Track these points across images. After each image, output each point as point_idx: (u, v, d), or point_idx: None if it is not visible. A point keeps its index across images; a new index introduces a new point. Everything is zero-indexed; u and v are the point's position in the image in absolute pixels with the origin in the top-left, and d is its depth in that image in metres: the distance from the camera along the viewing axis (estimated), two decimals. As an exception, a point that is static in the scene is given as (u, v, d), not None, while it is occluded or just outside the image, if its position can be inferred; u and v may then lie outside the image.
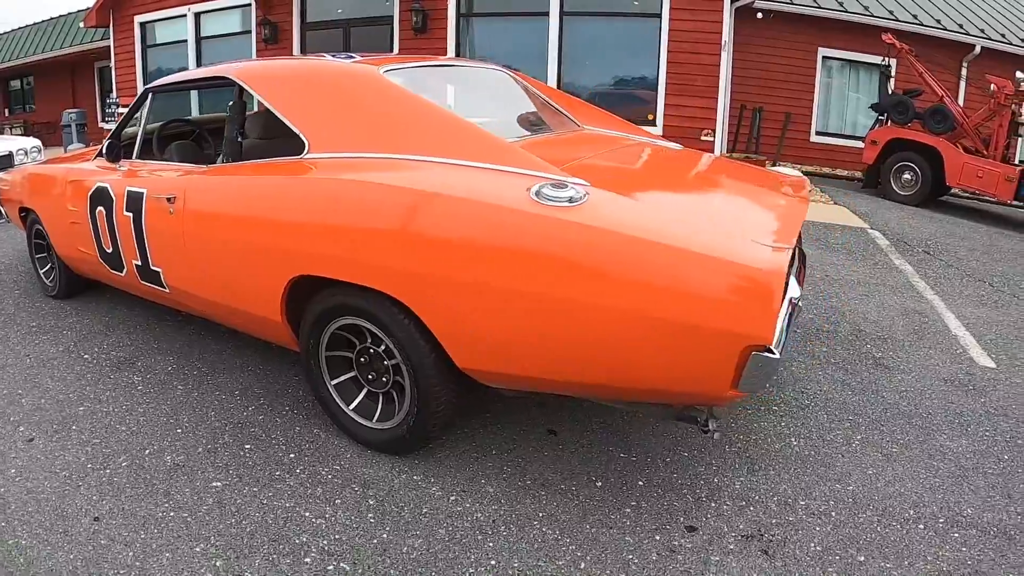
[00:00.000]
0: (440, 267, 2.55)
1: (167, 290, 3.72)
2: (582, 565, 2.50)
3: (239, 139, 3.42)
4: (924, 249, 7.27)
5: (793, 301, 2.63)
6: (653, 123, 11.02)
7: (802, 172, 12.32)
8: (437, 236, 2.57)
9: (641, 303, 2.30)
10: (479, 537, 2.60)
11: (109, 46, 15.81)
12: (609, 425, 3.49)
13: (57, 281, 4.99)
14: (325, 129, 3.12)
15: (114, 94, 15.55)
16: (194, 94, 12.82)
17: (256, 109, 4.44)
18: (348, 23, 13.12)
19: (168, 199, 3.43)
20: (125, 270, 3.92)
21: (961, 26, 12.78)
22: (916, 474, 3.23)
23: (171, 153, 3.93)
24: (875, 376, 4.21)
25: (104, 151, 4.03)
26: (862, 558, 2.62)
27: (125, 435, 3.24)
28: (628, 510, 2.83)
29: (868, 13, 12.47)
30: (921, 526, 2.84)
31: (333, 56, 3.70)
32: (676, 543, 2.64)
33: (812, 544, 2.68)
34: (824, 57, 12.88)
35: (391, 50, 12.57)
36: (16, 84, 22.34)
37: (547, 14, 11.38)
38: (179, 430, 3.28)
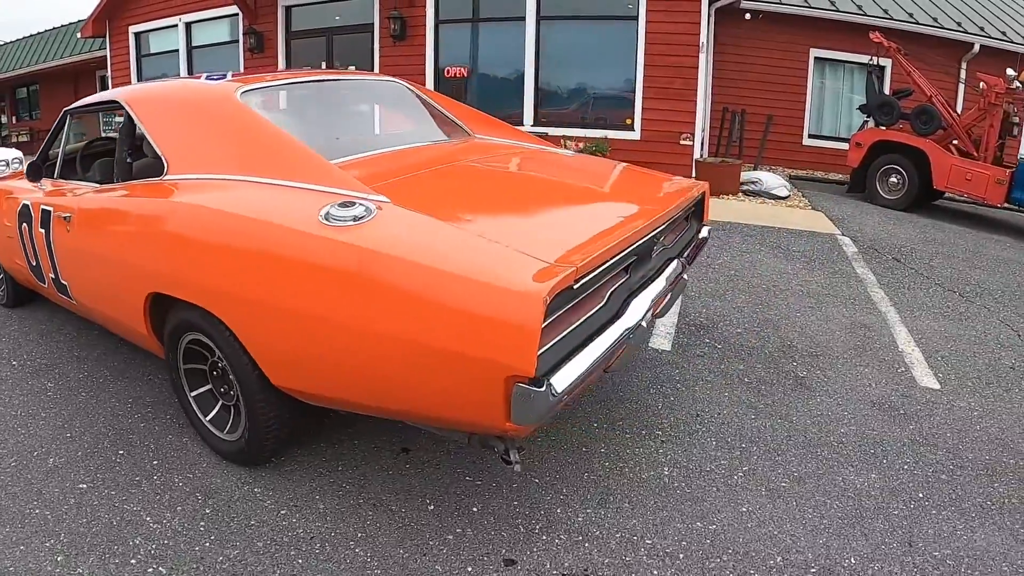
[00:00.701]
0: (246, 287, 2.57)
1: (74, 302, 3.83)
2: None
3: (128, 160, 3.48)
4: (895, 256, 6.68)
5: (635, 325, 2.51)
6: (631, 127, 10.56)
7: (792, 176, 11.81)
8: (240, 256, 2.61)
9: (406, 327, 2.17)
10: (292, 553, 2.52)
11: (106, 56, 15.71)
12: (465, 446, 3.12)
13: (6, 291, 5.12)
14: (180, 151, 3.17)
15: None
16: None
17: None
18: (331, 31, 12.89)
19: (65, 217, 3.57)
20: (46, 282, 4.03)
21: (960, 24, 12.08)
22: (800, 514, 2.78)
23: (88, 172, 3.94)
24: (790, 398, 3.70)
25: (26, 171, 4.15)
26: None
27: (22, 437, 3.31)
28: (451, 537, 2.61)
29: (861, 12, 11.82)
30: (782, 578, 2.40)
31: (208, 77, 3.62)
32: (486, 576, 2.36)
33: (639, 595, 2.27)
34: (816, 58, 12.23)
35: (372, 58, 12.32)
36: (23, 92, 22.39)
37: (523, 19, 11.00)
38: (68, 435, 3.32)
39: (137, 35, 14.96)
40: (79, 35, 16.08)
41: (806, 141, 12.47)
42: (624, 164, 4.10)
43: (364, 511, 2.76)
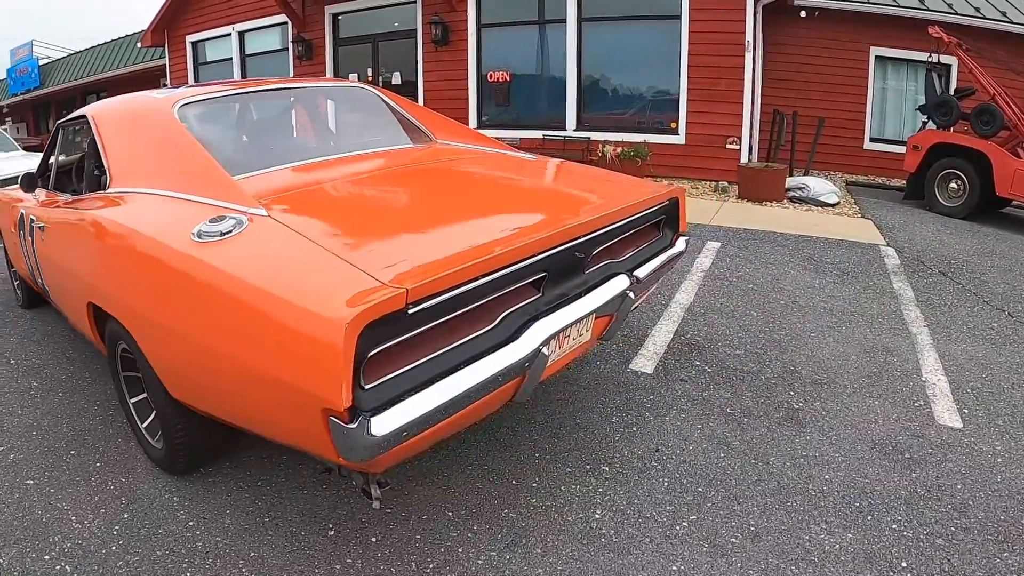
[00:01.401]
0: (138, 300, 2.57)
1: (54, 304, 4.03)
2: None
3: (95, 172, 3.44)
4: (941, 270, 5.93)
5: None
6: (676, 131, 9.99)
7: (850, 182, 10.96)
8: (132, 270, 2.64)
9: (239, 348, 2.05)
10: (184, 566, 2.46)
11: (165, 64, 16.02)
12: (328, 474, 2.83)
13: (21, 293, 5.36)
14: (120, 164, 3.17)
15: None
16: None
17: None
18: (376, 38, 12.77)
19: (40, 227, 3.73)
20: (40, 285, 4.18)
21: (1032, 18, 10.99)
22: (739, 584, 2.25)
23: (70, 184, 4.09)
24: (774, 434, 3.17)
25: (20, 182, 4.22)
26: None
27: None
28: (338, 567, 2.43)
29: (923, 7, 10.84)
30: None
31: (160, 91, 3.59)
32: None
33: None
34: (878, 57, 11.26)
35: (416, 63, 12.13)
36: (93, 99, 22.86)
37: (564, 21, 10.57)
38: (35, 432, 3.39)
39: (194, 44, 15.22)
40: (139, 44, 16.43)
41: (867, 145, 11.53)
42: (590, 169, 3.77)
43: (265, 531, 2.63)
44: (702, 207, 8.38)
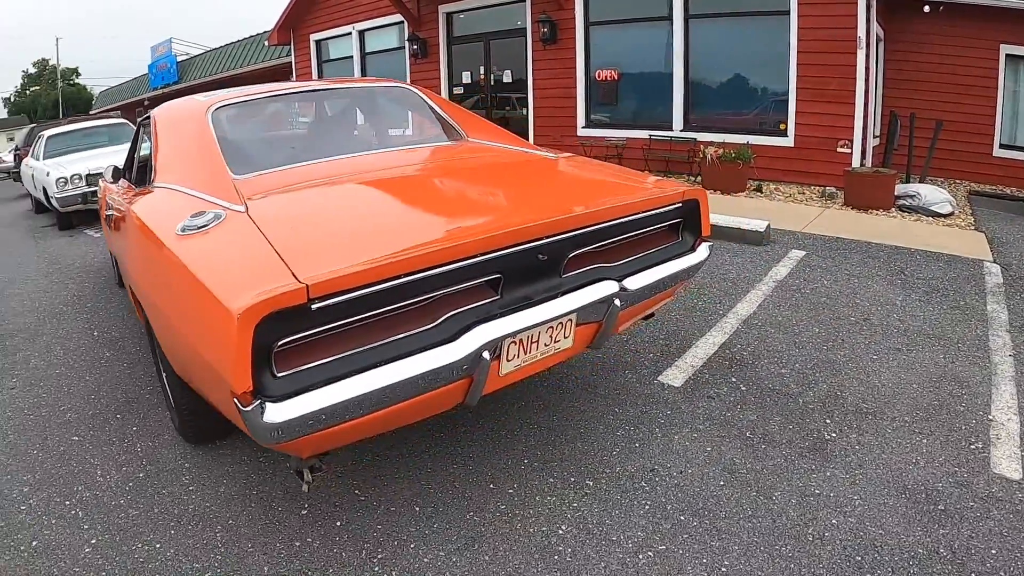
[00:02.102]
0: (144, 284, 2.87)
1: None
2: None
3: (149, 167, 3.60)
4: (1054, 293, 5.18)
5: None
6: (784, 132, 9.34)
7: (975, 191, 9.89)
8: (140, 256, 2.98)
9: (189, 332, 2.20)
10: (172, 524, 2.67)
11: (291, 62, 16.67)
12: (353, 486, 2.84)
13: (116, 272, 5.79)
14: (163, 161, 3.34)
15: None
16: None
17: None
18: (488, 36, 12.76)
19: (110, 215, 4.17)
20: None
21: None
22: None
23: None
24: (791, 466, 2.84)
25: (110, 173, 4.72)
26: None
27: (62, 394, 3.92)
28: (298, 544, 2.52)
29: (1068, -1, 9.61)
30: None
31: (206, 95, 3.72)
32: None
33: None
34: (1009, 56, 9.98)
35: (525, 62, 12.01)
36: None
37: (670, 18, 10.13)
38: (93, 396, 3.83)
39: (317, 42, 15.78)
40: (266, 43, 17.16)
41: (996, 152, 10.31)
42: (606, 168, 3.54)
43: (248, 502, 2.79)
44: (799, 213, 7.79)
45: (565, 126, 11.83)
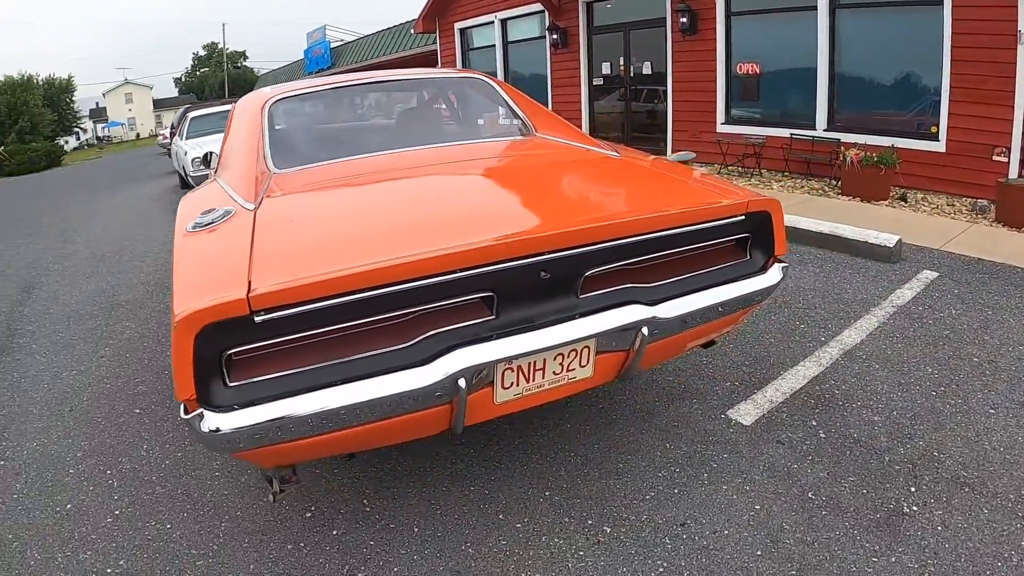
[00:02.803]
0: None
1: None
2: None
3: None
4: None
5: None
6: (936, 136, 8.33)
7: None
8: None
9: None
10: (187, 507, 2.73)
11: (436, 49, 16.82)
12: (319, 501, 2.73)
13: None
14: (223, 151, 3.36)
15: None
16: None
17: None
18: (628, 26, 12.28)
19: None
20: None
21: None
22: None
23: None
24: (850, 542, 2.39)
25: (204, 159, 4.81)
26: None
27: (137, 369, 4.14)
28: (290, 546, 2.50)
29: None
30: None
31: (271, 88, 3.67)
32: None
33: None
34: None
35: (665, 53, 11.44)
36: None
37: (815, 8, 9.25)
38: (166, 373, 3.90)
39: (461, 31, 15.79)
40: (412, 31, 17.36)
41: None
42: (656, 172, 3.03)
43: (263, 496, 2.78)
44: (941, 227, 6.89)
45: (703, 122, 11.14)
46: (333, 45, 25.79)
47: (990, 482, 2.72)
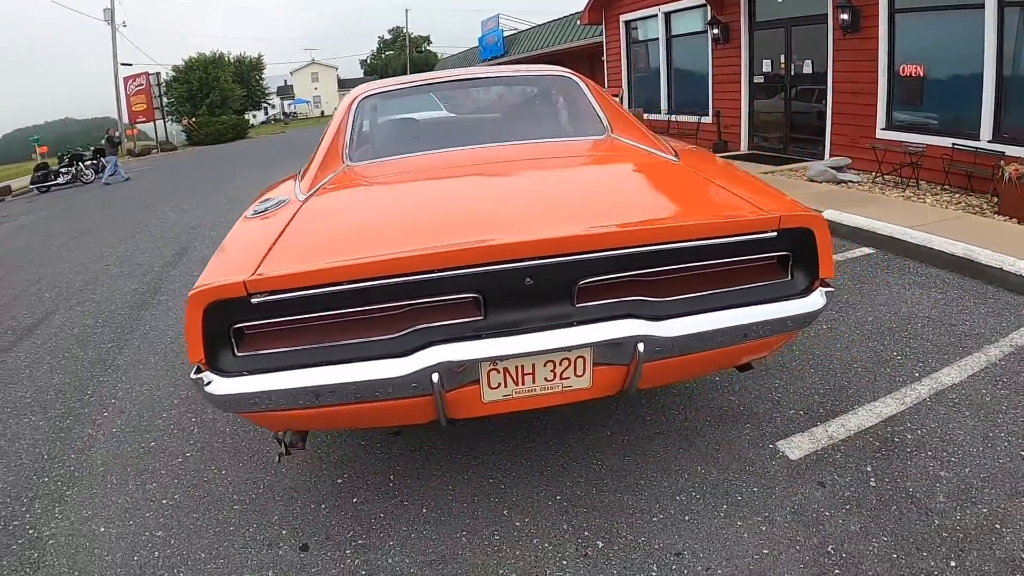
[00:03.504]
0: None
1: None
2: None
3: None
4: None
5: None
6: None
7: None
8: None
9: None
10: (201, 498, 2.90)
11: (602, 41, 16.68)
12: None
13: None
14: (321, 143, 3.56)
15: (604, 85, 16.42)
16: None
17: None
18: (789, 23, 11.58)
19: None
20: None
21: None
22: None
23: None
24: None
25: None
26: None
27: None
28: (285, 531, 2.64)
29: None
30: None
31: (370, 83, 3.88)
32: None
33: None
34: None
35: (826, 50, 10.68)
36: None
37: (982, 7, 8.20)
38: None
39: (627, 23, 15.51)
40: (579, 22, 17.28)
41: None
42: (706, 180, 2.87)
43: (274, 495, 2.88)
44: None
45: (862, 126, 10.18)
46: (506, 33, 26.27)
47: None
